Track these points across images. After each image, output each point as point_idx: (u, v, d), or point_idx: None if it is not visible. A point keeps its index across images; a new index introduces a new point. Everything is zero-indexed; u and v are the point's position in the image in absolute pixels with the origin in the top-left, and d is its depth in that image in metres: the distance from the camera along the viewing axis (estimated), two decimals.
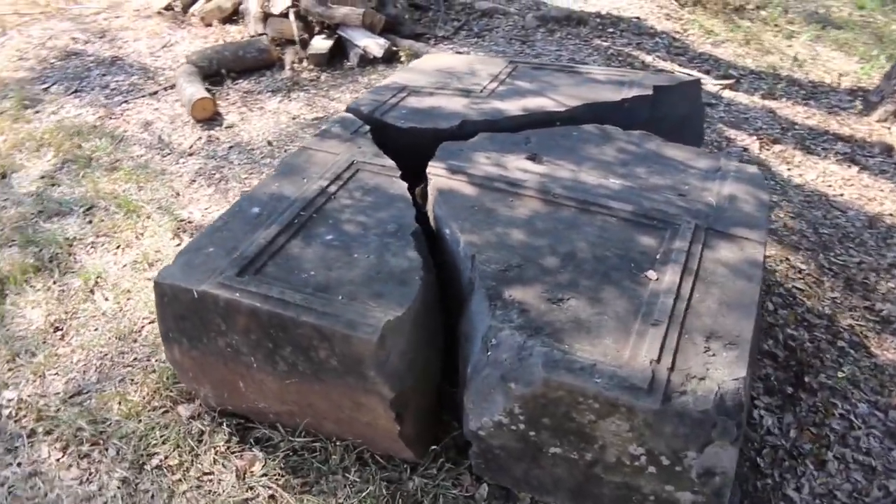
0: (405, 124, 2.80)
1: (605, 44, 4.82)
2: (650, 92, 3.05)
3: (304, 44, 4.87)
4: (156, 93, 4.50)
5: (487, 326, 1.88)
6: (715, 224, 2.23)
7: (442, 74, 3.30)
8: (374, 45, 4.69)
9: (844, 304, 2.80)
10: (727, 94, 4.33)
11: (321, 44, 4.83)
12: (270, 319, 1.94)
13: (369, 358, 1.86)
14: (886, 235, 3.14)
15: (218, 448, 2.21)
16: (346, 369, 1.92)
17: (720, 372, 1.73)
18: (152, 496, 2.10)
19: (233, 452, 2.21)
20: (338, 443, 2.19)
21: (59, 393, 2.42)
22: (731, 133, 3.92)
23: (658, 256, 2.08)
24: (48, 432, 2.28)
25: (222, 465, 2.17)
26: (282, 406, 2.17)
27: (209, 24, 5.36)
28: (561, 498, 1.94)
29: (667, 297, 1.92)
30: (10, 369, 2.52)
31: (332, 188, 2.42)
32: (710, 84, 4.42)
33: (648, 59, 4.65)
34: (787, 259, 2.99)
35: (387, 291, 1.98)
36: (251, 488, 2.11)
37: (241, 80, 4.64)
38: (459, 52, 4.77)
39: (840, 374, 2.47)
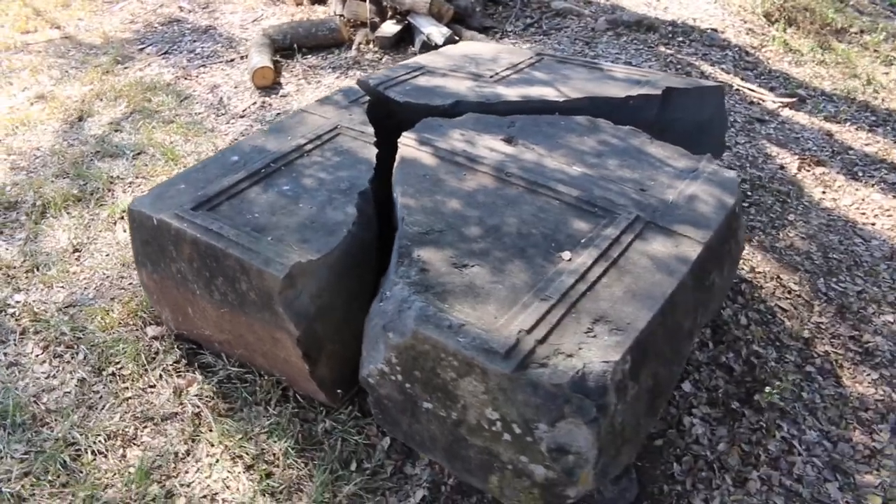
0: (402, 99, 2.92)
1: (668, 51, 4.70)
2: (658, 92, 2.99)
3: (374, 27, 5.11)
4: (232, 60, 4.89)
5: (388, 280, 1.97)
6: (659, 219, 2.19)
7: (465, 59, 3.39)
8: (437, 33, 4.84)
9: (828, 330, 2.62)
10: (786, 112, 4.12)
11: (389, 28, 5.04)
12: (206, 249, 2.13)
13: (277, 294, 2.00)
14: None
15: (166, 366, 2.43)
16: (261, 303, 2.08)
17: (591, 353, 1.72)
18: (100, 397, 2.35)
19: (177, 372, 2.43)
20: (266, 377, 2.35)
21: (57, 302, 2.74)
22: (773, 150, 3.73)
23: (583, 240, 2.08)
24: (37, 332, 2.60)
25: (165, 381, 2.39)
26: (221, 335, 2.36)
27: (299, 3, 5.72)
28: (438, 457, 1.99)
29: (569, 277, 1.92)
30: (26, 277, 2.88)
31: (309, 147, 2.59)
32: (770, 101, 4.21)
33: (709, 69, 4.50)
34: (779, 277, 2.84)
35: (312, 238, 2.12)
36: (182, 405, 2.31)
37: (310, 56, 4.93)
38: (523, 48, 4.81)
39: (772, 390, 2.33)
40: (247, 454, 2.15)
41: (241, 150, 2.59)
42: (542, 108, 2.91)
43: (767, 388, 2.36)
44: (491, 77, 3.15)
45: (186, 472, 2.12)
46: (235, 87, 4.50)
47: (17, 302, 2.74)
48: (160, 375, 2.40)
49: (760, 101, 4.21)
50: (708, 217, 2.21)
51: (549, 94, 2.98)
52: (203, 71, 4.74)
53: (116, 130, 3.96)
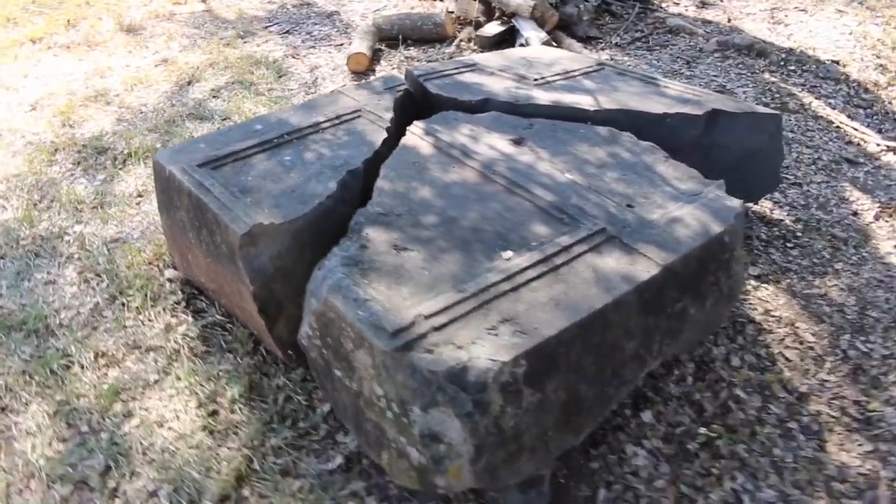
0: (436, 91, 3.00)
1: (772, 79, 4.38)
2: (699, 112, 2.84)
3: (479, 26, 5.20)
4: (341, 45, 5.19)
5: (331, 251, 2.06)
6: (625, 235, 2.10)
7: (520, 61, 3.40)
8: (535, 37, 4.84)
9: (831, 389, 2.37)
10: (888, 157, 3.71)
11: (491, 28, 5.11)
12: (196, 202, 2.34)
13: (237, 249, 2.16)
14: None
15: (166, 305, 2.69)
16: (228, 256, 2.25)
17: (483, 349, 1.71)
18: (105, 321, 2.64)
19: (174, 312, 2.67)
20: (242, 328, 2.53)
21: (105, 237, 3.10)
22: (853, 194, 3.38)
23: (534, 244, 2.06)
24: (79, 259, 2.97)
25: (161, 318, 2.64)
26: (210, 283, 2.57)
27: None
28: (350, 426, 2.05)
29: (497, 275, 1.92)
30: (91, 212, 3.28)
31: (326, 124, 2.74)
32: (874, 143, 3.81)
33: (812, 101, 4.14)
34: (795, 325, 2.59)
35: (284, 204, 2.26)
36: (167, 340, 2.55)
37: (412, 48, 5.12)
38: (618, 61, 4.70)
39: (737, 437, 2.15)
40: (202, 393, 2.33)
41: (268, 120, 2.80)
42: (571, 114, 2.86)
43: (734, 435, 2.19)
44: (535, 80, 3.14)
45: (149, 398, 2.35)
46: (333, 70, 4.78)
47: (75, 232, 3.14)
48: (159, 312, 2.66)
49: (861, 142, 3.82)
50: (680, 241, 2.10)
51: (584, 102, 2.93)
52: (311, 52, 5.07)
53: (214, 97, 4.36)
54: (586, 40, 5.07)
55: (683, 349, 2.38)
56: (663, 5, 5.63)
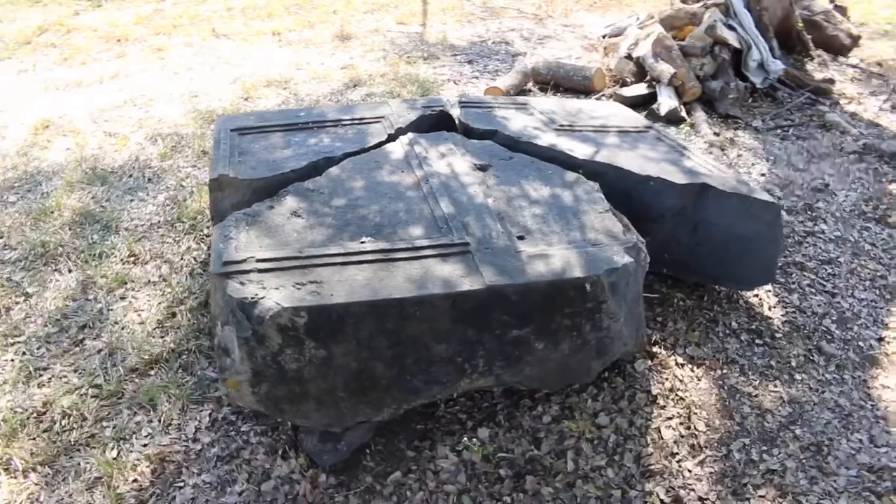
0: (459, 116, 3.34)
1: (894, 190, 3.90)
2: (680, 182, 2.82)
3: (625, 85, 5.33)
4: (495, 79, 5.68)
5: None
6: (480, 255, 2.28)
7: (569, 110, 3.56)
8: (666, 105, 4.85)
9: (685, 479, 2.25)
10: None
11: (634, 89, 5.21)
12: (212, 153, 3.02)
13: (209, 190, 2.78)
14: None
15: (198, 235, 3.42)
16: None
17: (279, 294, 2.06)
18: (154, 235, 3.44)
19: (198, 240, 3.38)
20: None
21: (203, 180, 3.95)
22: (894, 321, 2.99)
23: (397, 239, 2.35)
24: (173, 190, 3.84)
25: (187, 242, 3.37)
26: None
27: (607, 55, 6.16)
28: None
29: (339, 249, 2.26)
30: (207, 161, 4.17)
31: (346, 122, 3.26)
32: None
33: None
34: (693, 411, 2.47)
35: (258, 169, 2.82)
36: (182, 257, 3.26)
37: (559, 94, 5.41)
38: (741, 142, 4.54)
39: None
40: (174, 300, 2.99)
41: (312, 110, 3.41)
42: (561, 159, 3.00)
43: (550, 478, 2.24)
44: (561, 126, 3.31)
45: (144, 292, 3.06)
46: (462, 95, 5.29)
47: (186, 172, 4.04)
48: (190, 238, 3.40)
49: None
50: (525, 273, 2.22)
51: (581, 151, 3.05)
52: (471, 81, 5.61)
53: (362, 100, 5.10)
54: (724, 118, 4.92)
55: (534, 384, 2.43)
56: (841, 101, 5.20)
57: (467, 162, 2.89)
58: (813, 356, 2.75)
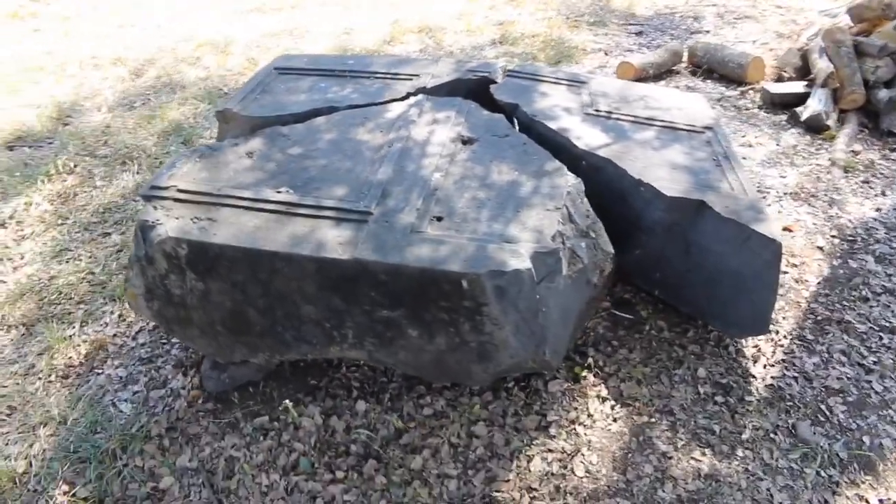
0: (492, 85, 3.17)
1: None
2: (668, 195, 2.43)
3: (779, 79, 4.56)
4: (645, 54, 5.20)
5: None
6: (372, 225, 2.21)
7: (625, 96, 3.19)
8: (811, 109, 4.08)
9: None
10: None
11: (784, 86, 4.44)
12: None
13: (217, 122, 3.01)
14: None
15: None
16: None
17: (174, 224, 2.23)
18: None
19: None
20: None
21: None
22: None
23: (315, 196, 2.37)
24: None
25: None
26: None
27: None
28: None
29: (252, 195, 2.35)
30: None
31: (380, 75, 3.26)
32: None
33: None
34: (582, 452, 2.20)
35: (266, 108, 2.97)
36: None
37: (708, 80, 4.82)
38: (886, 171, 3.69)
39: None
40: None
41: (362, 59, 3.47)
42: (562, 145, 2.75)
43: (392, 467, 2.19)
44: (594, 111, 3.01)
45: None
46: (601, 67, 4.92)
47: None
48: None
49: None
50: (402, 254, 2.12)
51: (592, 141, 2.75)
52: (624, 54, 5.19)
53: (497, 58, 5.01)
54: (886, 134, 3.99)
55: (409, 370, 2.33)
56: None
57: (454, 133, 2.77)
58: (777, 435, 2.26)
